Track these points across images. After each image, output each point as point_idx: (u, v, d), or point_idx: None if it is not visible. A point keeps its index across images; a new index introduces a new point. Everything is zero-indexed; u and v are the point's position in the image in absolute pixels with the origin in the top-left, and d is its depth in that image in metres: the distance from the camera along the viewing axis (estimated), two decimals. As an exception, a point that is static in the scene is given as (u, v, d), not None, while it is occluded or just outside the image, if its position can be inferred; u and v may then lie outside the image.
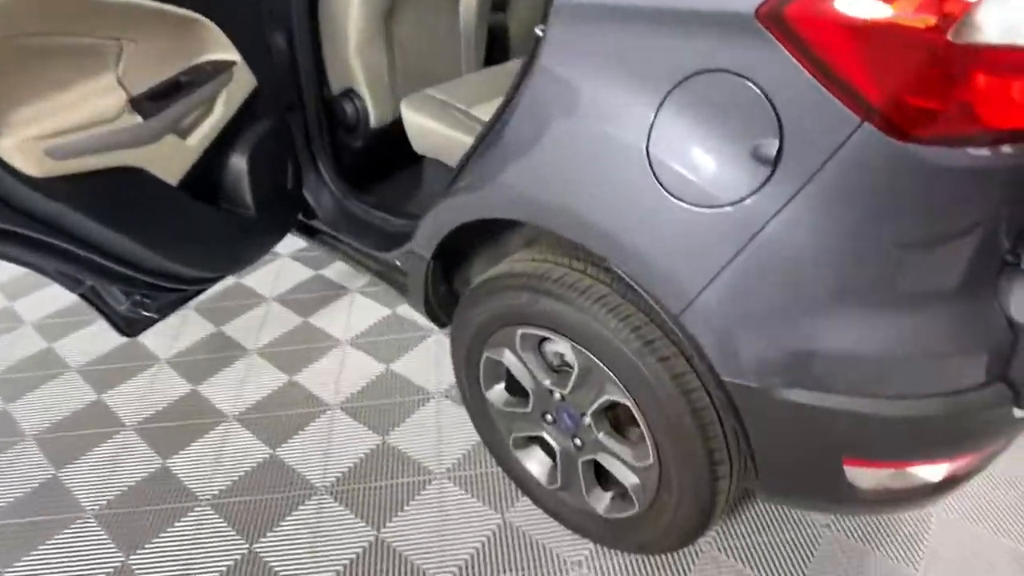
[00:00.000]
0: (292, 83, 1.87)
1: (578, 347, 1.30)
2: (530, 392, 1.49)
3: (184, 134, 1.53)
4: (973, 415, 1.03)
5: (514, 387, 1.61)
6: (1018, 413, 1.06)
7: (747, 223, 1.00)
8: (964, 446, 1.07)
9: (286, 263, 2.71)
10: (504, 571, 1.56)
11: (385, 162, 2.26)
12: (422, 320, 1.99)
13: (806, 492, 1.16)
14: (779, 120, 0.94)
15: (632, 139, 1.08)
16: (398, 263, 1.81)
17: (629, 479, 1.38)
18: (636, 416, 1.26)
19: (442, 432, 1.92)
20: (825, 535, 1.60)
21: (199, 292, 1.90)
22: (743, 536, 1.61)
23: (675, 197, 1.04)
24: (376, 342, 2.27)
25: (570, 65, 1.18)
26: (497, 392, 1.60)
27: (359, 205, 1.98)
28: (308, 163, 2.02)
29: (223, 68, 1.56)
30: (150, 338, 2.31)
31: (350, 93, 2.06)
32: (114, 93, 1.35)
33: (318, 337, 2.31)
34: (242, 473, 1.82)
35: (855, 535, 1.60)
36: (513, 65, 2.16)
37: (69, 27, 1.23)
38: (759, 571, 1.54)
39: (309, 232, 2.14)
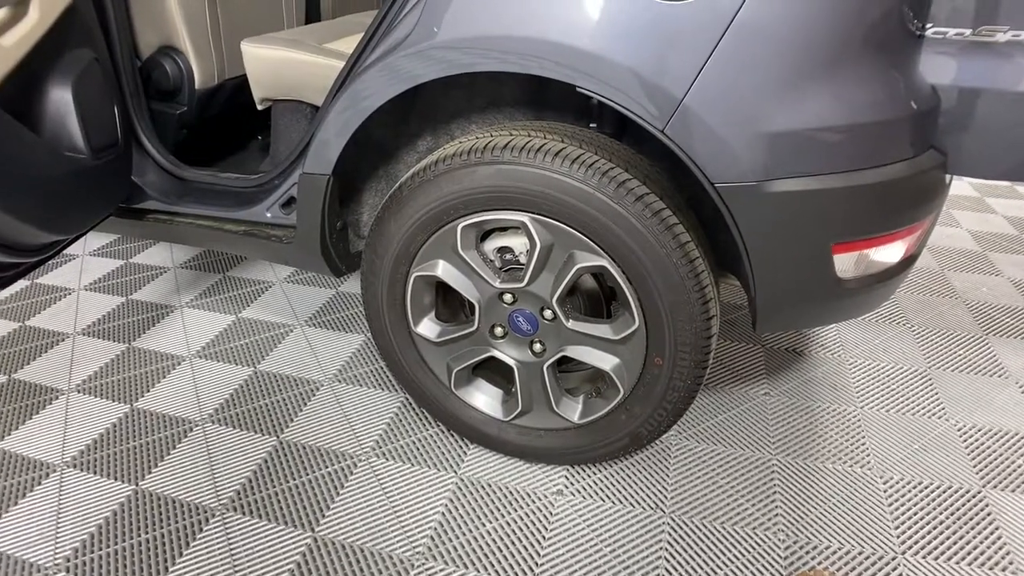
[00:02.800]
0: (101, 37, 1.51)
1: (539, 217, 1.17)
2: (476, 304, 1.32)
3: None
4: (922, 178, 1.11)
5: (443, 315, 1.43)
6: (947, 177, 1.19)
7: (723, 8, 0.98)
8: (917, 213, 1.15)
9: (83, 295, 2.18)
10: (482, 523, 1.33)
11: (216, 130, 1.94)
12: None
13: (800, 295, 1.16)
14: None
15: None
16: (268, 216, 1.53)
17: (608, 362, 1.27)
18: (615, 276, 1.17)
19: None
20: (769, 402, 1.64)
21: (10, 278, 1.44)
22: (701, 422, 1.58)
23: (651, -10, 1.00)
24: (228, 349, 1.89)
25: None
26: (428, 324, 1.40)
27: (198, 173, 1.65)
28: (129, 139, 1.64)
29: None
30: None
31: (168, 50, 1.74)
32: None
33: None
34: None
35: (795, 395, 1.67)
36: (347, 18, 2.01)
37: None
38: (729, 446, 1.51)
39: (135, 216, 1.73)
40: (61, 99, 1.34)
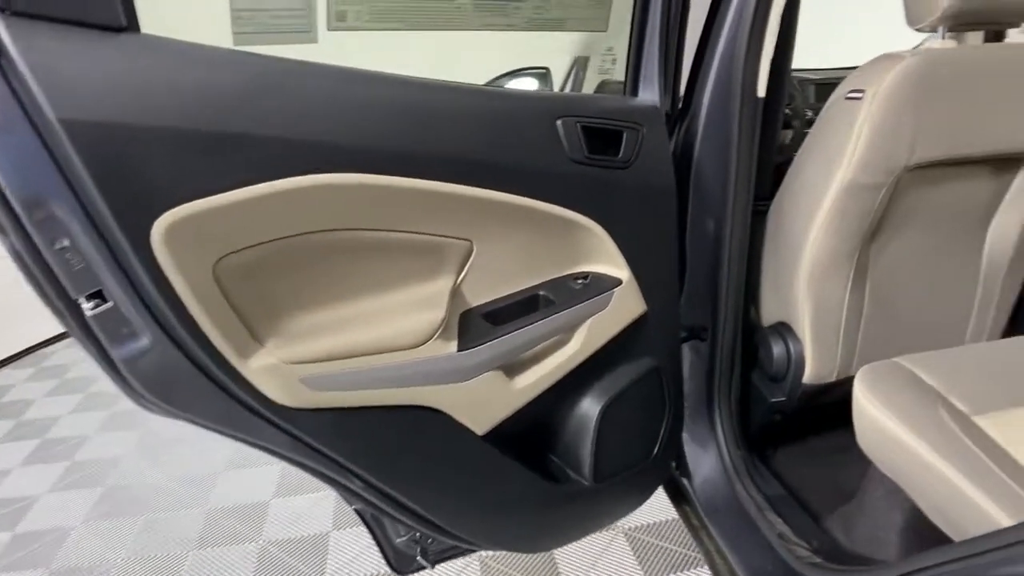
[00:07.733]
0: (708, 300, 1.28)
1: None
2: None
3: (514, 371, 1.02)
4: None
5: None
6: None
7: None
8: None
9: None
10: None
11: (812, 439, 1.50)
12: None
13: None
14: None
15: None
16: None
17: None
18: None
19: None
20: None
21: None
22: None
23: None
24: None
25: None
26: None
27: (751, 495, 1.25)
28: (701, 410, 1.37)
29: (600, 288, 1.06)
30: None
31: (782, 329, 1.34)
32: (434, 309, 0.90)
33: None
34: None
35: None
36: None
37: (401, 223, 0.84)
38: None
39: (675, 495, 1.46)
40: (582, 422, 1.13)
